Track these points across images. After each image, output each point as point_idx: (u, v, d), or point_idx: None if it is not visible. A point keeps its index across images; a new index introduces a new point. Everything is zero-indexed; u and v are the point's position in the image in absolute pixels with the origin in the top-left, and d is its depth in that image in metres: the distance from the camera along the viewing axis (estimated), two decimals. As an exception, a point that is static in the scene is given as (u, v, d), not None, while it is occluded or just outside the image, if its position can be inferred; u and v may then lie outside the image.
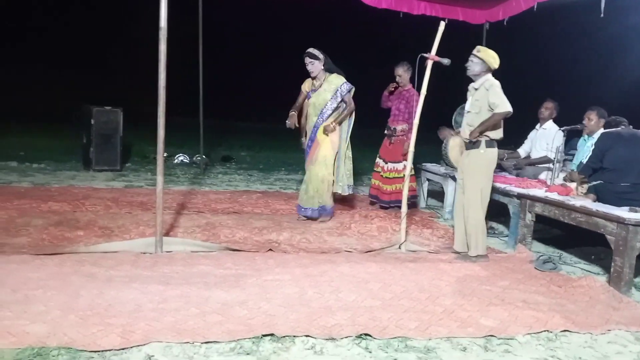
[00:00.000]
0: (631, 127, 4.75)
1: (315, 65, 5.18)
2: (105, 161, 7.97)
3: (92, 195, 5.94)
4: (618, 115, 5.03)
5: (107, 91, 15.31)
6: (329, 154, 5.23)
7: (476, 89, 4.27)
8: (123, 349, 2.43)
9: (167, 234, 4.34)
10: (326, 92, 5.21)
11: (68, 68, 22.84)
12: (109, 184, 7.00)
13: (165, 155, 4.09)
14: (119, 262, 3.69)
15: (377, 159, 6.34)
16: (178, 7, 5.08)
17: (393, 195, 6.07)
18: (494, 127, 4.19)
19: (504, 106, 4.07)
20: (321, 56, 5.17)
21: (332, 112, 5.24)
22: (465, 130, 4.34)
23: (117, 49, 23.80)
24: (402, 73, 6.00)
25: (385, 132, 6.23)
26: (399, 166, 6.05)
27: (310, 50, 5.18)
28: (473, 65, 4.23)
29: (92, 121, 7.83)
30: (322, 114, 5.23)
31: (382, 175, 6.21)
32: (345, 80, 5.23)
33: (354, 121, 5.37)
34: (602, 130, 4.84)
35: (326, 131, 5.19)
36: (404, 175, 5.65)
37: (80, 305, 2.86)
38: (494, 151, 4.27)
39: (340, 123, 5.27)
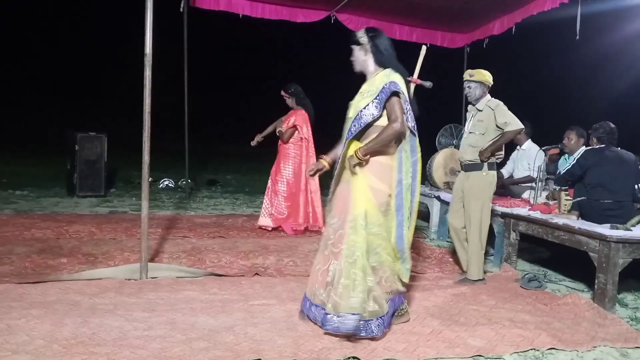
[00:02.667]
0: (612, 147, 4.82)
1: (356, 54, 3.23)
2: (90, 187, 7.91)
3: (76, 222, 5.88)
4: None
5: (93, 117, 15.28)
6: (367, 207, 2.99)
7: (480, 110, 4.28)
8: (108, 378, 2.40)
9: (152, 260, 4.30)
10: (365, 96, 3.10)
11: (54, 94, 22.77)
12: (93, 210, 6.94)
13: (150, 180, 4.08)
14: (104, 289, 3.65)
15: None
16: (164, 33, 5.13)
17: None
18: (499, 148, 4.23)
19: (516, 124, 4.12)
20: (365, 39, 3.16)
21: (371, 125, 3.06)
22: (467, 152, 4.29)
23: (103, 75, 23.82)
24: None
25: None
26: None
27: (356, 33, 3.25)
28: (473, 90, 4.28)
29: (77, 147, 7.79)
30: (358, 120, 3.04)
31: None
32: (397, 79, 3.05)
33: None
34: (583, 149, 4.92)
35: (351, 163, 3.02)
36: None
37: (64, 334, 2.81)
38: (494, 173, 4.26)
39: (369, 153, 2.99)
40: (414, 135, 3.12)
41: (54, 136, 11.47)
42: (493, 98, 4.28)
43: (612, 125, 4.42)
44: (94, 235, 5.33)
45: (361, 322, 2.84)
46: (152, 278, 3.99)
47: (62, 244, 4.82)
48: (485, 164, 4.20)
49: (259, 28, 10.54)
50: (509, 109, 4.20)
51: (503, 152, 4.32)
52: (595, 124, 4.51)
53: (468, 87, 4.30)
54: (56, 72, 23.56)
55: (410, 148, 3.10)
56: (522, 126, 4.14)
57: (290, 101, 6.14)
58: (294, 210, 6.05)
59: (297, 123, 6.05)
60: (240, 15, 5.78)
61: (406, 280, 3.11)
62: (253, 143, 6.28)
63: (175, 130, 10.37)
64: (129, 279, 3.92)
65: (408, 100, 3.10)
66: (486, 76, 4.27)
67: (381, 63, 3.13)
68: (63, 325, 2.93)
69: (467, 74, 4.33)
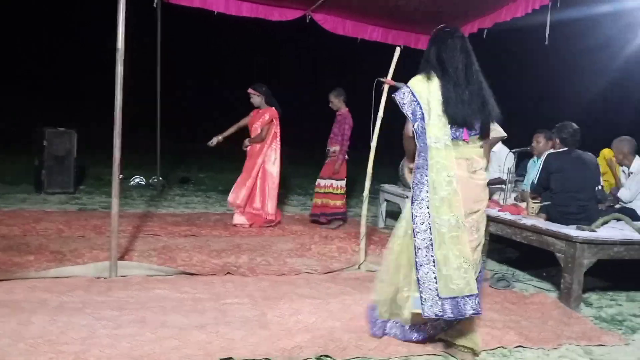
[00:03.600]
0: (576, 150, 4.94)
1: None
2: (58, 184, 7.73)
3: (44, 219, 5.75)
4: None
5: (63, 113, 14.90)
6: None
7: None
8: (75, 377, 2.36)
9: (122, 258, 4.23)
10: None
11: (23, 89, 22.17)
12: (62, 207, 6.79)
13: (121, 177, 4.02)
14: (72, 287, 3.58)
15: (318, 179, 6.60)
16: (137, 29, 5.05)
17: (319, 209, 6.50)
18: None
19: (499, 131, 4.06)
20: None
21: None
22: None
23: (74, 70, 23.31)
24: (333, 99, 6.48)
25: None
26: (328, 182, 6.43)
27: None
28: None
29: (45, 143, 7.61)
30: None
31: (317, 192, 6.53)
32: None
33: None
34: (551, 151, 5.03)
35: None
36: (331, 192, 6.38)
37: (31, 332, 2.76)
38: None
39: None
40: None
41: (22, 132, 11.18)
42: None
43: (575, 126, 4.46)
44: (62, 232, 5.22)
45: None
46: (122, 276, 3.93)
47: (29, 241, 4.71)
48: None
49: (234, 26, 10.49)
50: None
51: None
52: (558, 124, 4.58)
53: None
54: (24, 67, 22.97)
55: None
56: (504, 134, 4.11)
57: (258, 99, 6.38)
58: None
59: (273, 117, 6.33)
60: (215, 13, 5.72)
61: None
62: (212, 143, 6.43)
63: (147, 127, 10.20)
64: (98, 277, 3.86)
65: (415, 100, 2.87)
66: None
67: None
68: (30, 324, 2.87)
69: None
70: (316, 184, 6.57)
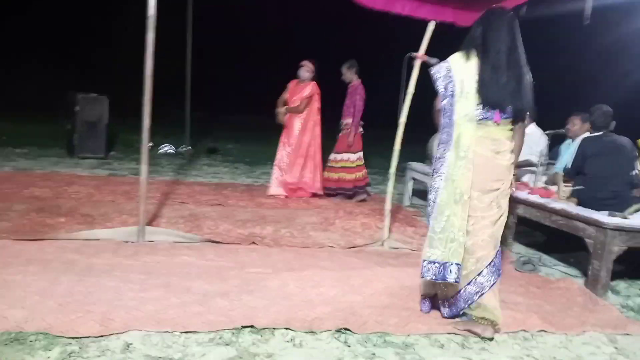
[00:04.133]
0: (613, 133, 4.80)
1: None
2: (90, 148, 7.90)
3: (75, 183, 5.89)
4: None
5: (95, 80, 15.10)
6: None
7: None
8: (101, 336, 2.43)
9: (149, 224, 4.31)
10: None
11: (55, 56, 22.49)
12: (93, 172, 6.94)
13: (150, 144, 4.07)
14: (100, 250, 3.67)
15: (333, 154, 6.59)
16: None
17: (334, 183, 6.47)
18: None
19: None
20: None
21: None
22: None
23: (106, 37, 23.51)
24: (345, 71, 6.41)
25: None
26: (345, 156, 6.39)
27: None
28: None
29: (77, 108, 7.75)
30: None
31: (332, 166, 6.50)
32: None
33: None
34: (587, 134, 4.90)
35: None
36: (348, 165, 6.33)
37: (60, 291, 2.84)
38: None
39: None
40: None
41: (55, 98, 11.39)
42: None
43: (607, 108, 4.37)
44: (92, 196, 5.34)
45: None
46: (149, 241, 4.01)
47: (60, 204, 4.83)
48: None
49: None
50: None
51: None
52: (591, 107, 4.48)
53: None
54: (57, 34, 23.25)
55: None
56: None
57: (308, 75, 6.38)
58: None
59: (315, 92, 6.38)
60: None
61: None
62: (282, 121, 6.45)
63: (177, 96, 10.29)
64: (126, 241, 3.94)
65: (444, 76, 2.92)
66: None
67: None
68: (59, 283, 2.95)
69: None
70: (332, 158, 6.52)
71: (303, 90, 6.33)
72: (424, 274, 2.85)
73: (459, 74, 2.85)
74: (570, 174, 4.54)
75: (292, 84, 6.45)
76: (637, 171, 4.43)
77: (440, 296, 3.03)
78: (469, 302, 2.91)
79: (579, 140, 4.66)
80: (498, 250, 2.94)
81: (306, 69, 6.35)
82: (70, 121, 7.96)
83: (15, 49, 21.54)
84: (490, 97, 2.81)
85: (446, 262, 2.78)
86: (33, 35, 22.52)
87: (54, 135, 9.39)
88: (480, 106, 2.82)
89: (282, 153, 6.37)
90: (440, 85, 2.89)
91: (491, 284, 2.87)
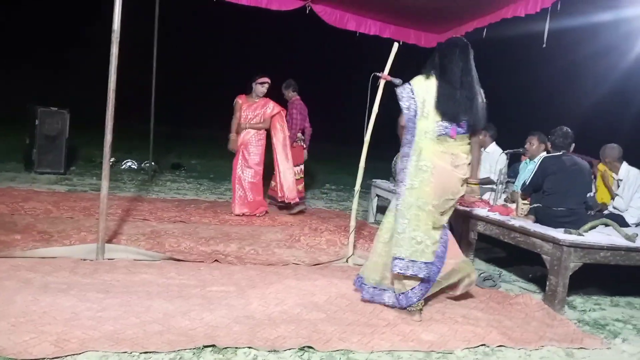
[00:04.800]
0: (571, 153, 4.96)
1: None
2: (49, 163, 7.68)
3: (32, 198, 5.72)
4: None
5: (57, 93, 14.77)
6: None
7: None
8: (56, 357, 2.35)
9: (109, 241, 4.22)
10: None
11: (16, 66, 21.93)
12: (51, 187, 6.75)
13: (112, 160, 4.00)
14: (57, 268, 3.56)
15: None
16: (134, 11, 5.01)
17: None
18: None
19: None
20: None
21: None
22: None
23: (70, 50, 23.11)
24: (284, 91, 6.85)
25: None
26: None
27: None
28: None
29: (37, 122, 7.55)
30: None
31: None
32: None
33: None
34: (544, 154, 5.05)
35: None
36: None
37: (13, 311, 2.74)
38: None
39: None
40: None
41: (15, 110, 11.09)
42: None
43: (567, 129, 4.55)
44: (50, 213, 5.19)
45: None
46: (109, 259, 3.92)
47: (16, 220, 4.68)
48: None
49: (232, 14, 10.40)
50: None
51: None
52: (553, 129, 4.64)
53: None
54: (19, 44, 22.73)
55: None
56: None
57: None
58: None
59: (277, 107, 6.44)
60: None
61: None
62: (234, 149, 6.42)
63: (141, 111, 10.15)
64: (84, 259, 3.84)
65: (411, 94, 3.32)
66: None
67: None
68: (12, 303, 2.85)
69: None
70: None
71: (264, 107, 6.30)
72: (393, 268, 3.26)
73: (421, 95, 3.27)
74: (528, 191, 4.66)
75: (241, 100, 6.29)
76: (591, 194, 4.58)
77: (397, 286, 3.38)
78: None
79: (537, 159, 4.80)
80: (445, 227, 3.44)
81: (267, 86, 6.31)
82: (29, 135, 7.74)
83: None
84: (447, 110, 3.23)
85: (415, 261, 3.23)
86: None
87: (12, 149, 9.11)
88: (438, 121, 3.24)
89: (244, 171, 6.30)
90: (404, 105, 3.30)
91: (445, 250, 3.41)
